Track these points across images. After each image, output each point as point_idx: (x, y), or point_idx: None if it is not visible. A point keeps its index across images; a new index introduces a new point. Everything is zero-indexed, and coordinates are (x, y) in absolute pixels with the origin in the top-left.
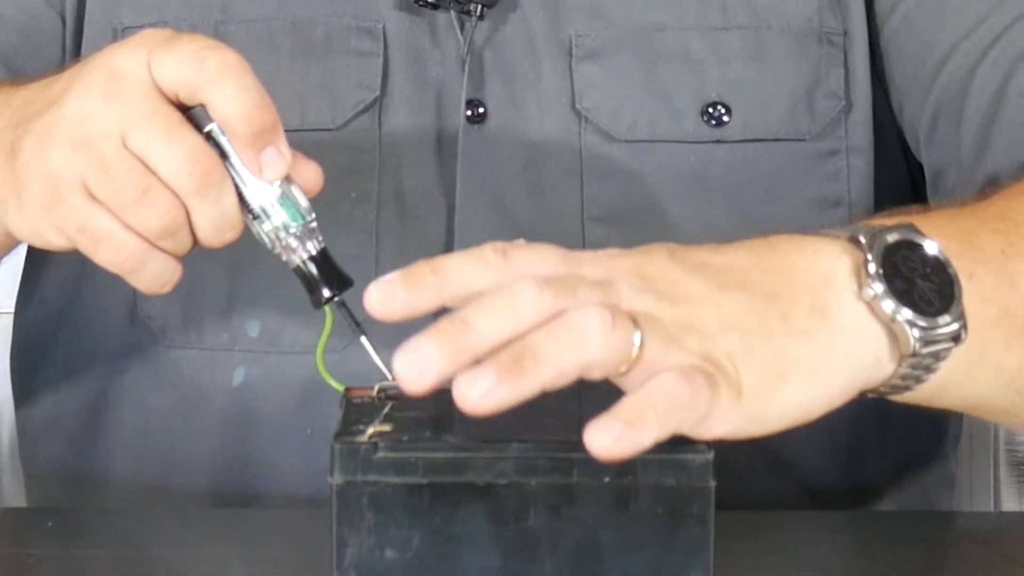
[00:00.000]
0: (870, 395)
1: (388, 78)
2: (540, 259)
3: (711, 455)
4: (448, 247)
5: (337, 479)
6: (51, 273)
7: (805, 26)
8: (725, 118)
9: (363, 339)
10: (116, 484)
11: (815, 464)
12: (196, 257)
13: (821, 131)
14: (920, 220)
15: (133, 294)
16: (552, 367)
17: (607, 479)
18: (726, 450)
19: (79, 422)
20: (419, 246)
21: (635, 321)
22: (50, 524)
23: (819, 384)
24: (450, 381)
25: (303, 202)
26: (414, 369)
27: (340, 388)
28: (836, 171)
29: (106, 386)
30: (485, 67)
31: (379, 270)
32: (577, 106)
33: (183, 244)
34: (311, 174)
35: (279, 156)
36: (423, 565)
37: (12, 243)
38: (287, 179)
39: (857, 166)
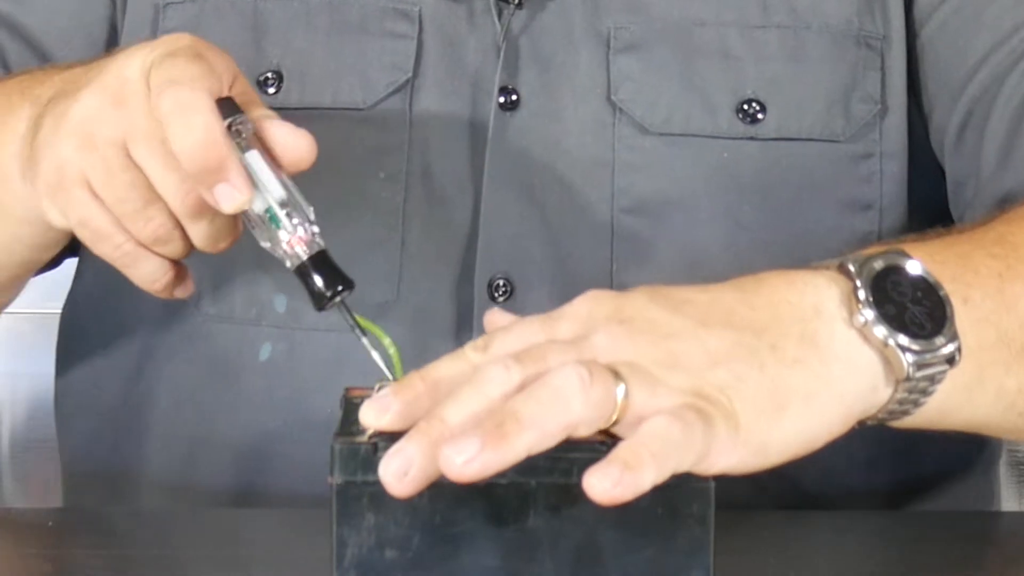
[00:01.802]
0: (869, 423)
1: (421, 61)
2: (518, 338)
3: None
4: (473, 232)
5: (337, 479)
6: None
7: (844, 28)
8: (760, 116)
9: (364, 340)
10: (148, 460)
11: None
12: None
13: (856, 133)
14: (914, 247)
15: None
16: (535, 430)
17: None
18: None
19: (114, 397)
20: (445, 229)
21: (616, 372)
22: (50, 524)
23: (817, 413)
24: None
25: (305, 205)
26: (398, 472)
27: (392, 348)
28: (869, 175)
29: (142, 361)
30: (520, 55)
31: (405, 251)
32: (612, 97)
33: (177, 251)
34: (300, 145)
35: (231, 192)
36: (423, 565)
37: (50, 236)
38: (288, 182)
39: (891, 171)
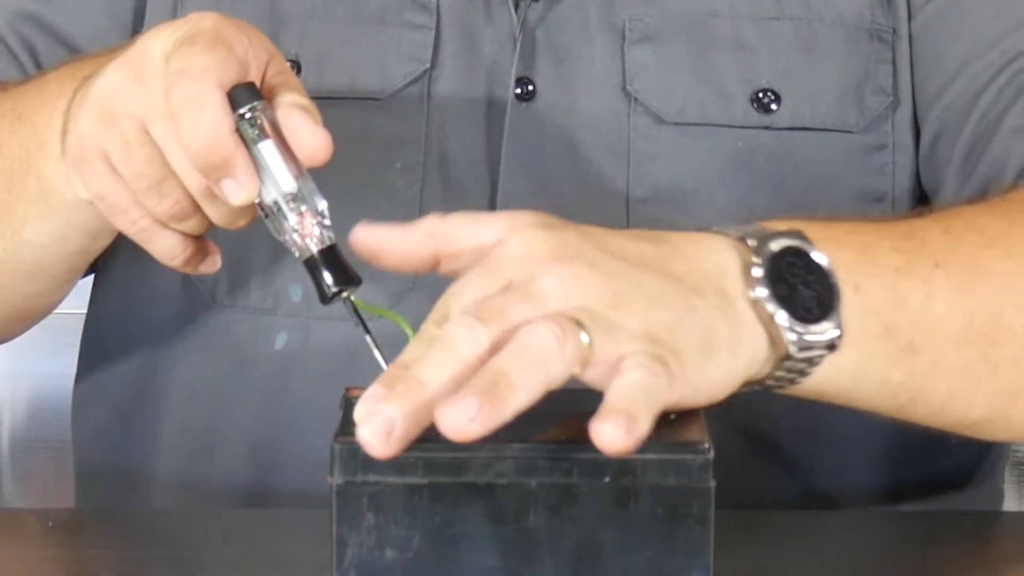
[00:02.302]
0: (745, 388)
1: (439, 51)
2: (471, 297)
3: (711, 455)
4: None
5: (337, 479)
6: (116, 247)
7: (856, 21)
8: (773, 106)
9: (367, 338)
10: (162, 452)
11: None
12: None
13: (868, 125)
14: (817, 227)
15: None
16: (524, 390)
17: (607, 479)
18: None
19: (129, 389)
20: None
21: (577, 321)
22: (50, 524)
23: (734, 362)
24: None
25: (317, 199)
26: (380, 434)
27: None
28: (882, 166)
29: (157, 352)
30: (537, 46)
31: None
32: (627, 88)
33: (196, 228)
34: (316, 143)
35: (236, 187)
36: (423, 565)
37: (102, 221)
38: (302, 175)
39: (902, 162)
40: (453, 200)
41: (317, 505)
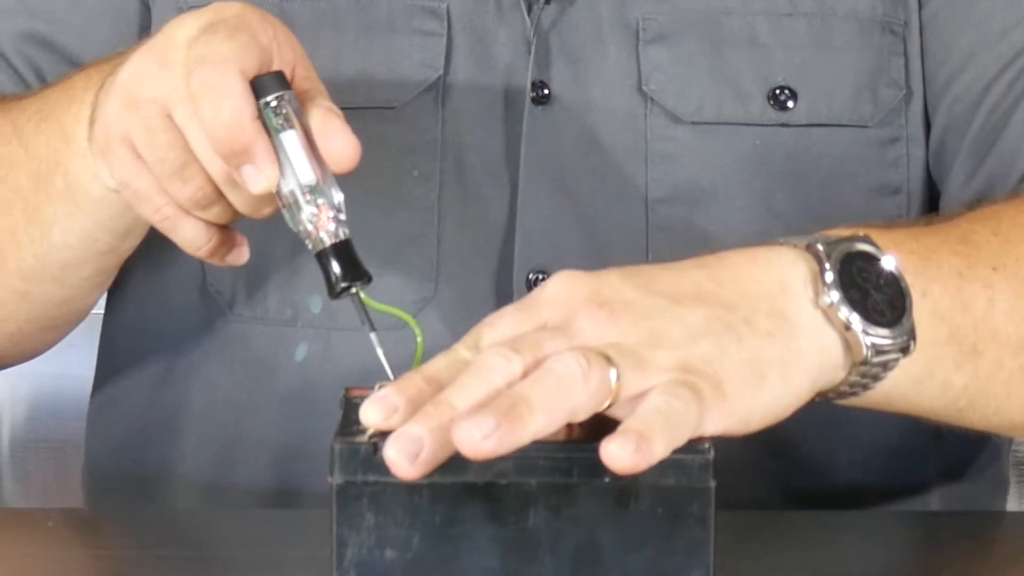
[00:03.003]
0: (817, 399)
1: (452, 58)
2: (505, 330)
3: (711, 455)
4: (510, 227)
5: (337, 479)
6: (133, 258)
7: (869, 15)
8: (790, 103)
9: (372, 336)
10: (180, 464)
11: (864, 464)
12: (261, 232)
13: (883, 119)
14: (881, 234)
15: (202, 268)
16: (543, 415)
17: (607, 479)
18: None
19: (145, 400)
20: (481, 226)
21: (607, 357)
22: (50, 524)
23: (791, 384)
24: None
25: (335, 193)
26: (407, 455)
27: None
28: (896, 159)
29: (172, 363)
30: (551, 49)
31: (441, 249)
32: (643, 88)
33: (221, 216)
34: (346, 150)
35: (256, 175)
36: (423, 565)
37: (129, 218)
38: (322, 168)
39: (916, 155)
40: (472, 206)
41: None
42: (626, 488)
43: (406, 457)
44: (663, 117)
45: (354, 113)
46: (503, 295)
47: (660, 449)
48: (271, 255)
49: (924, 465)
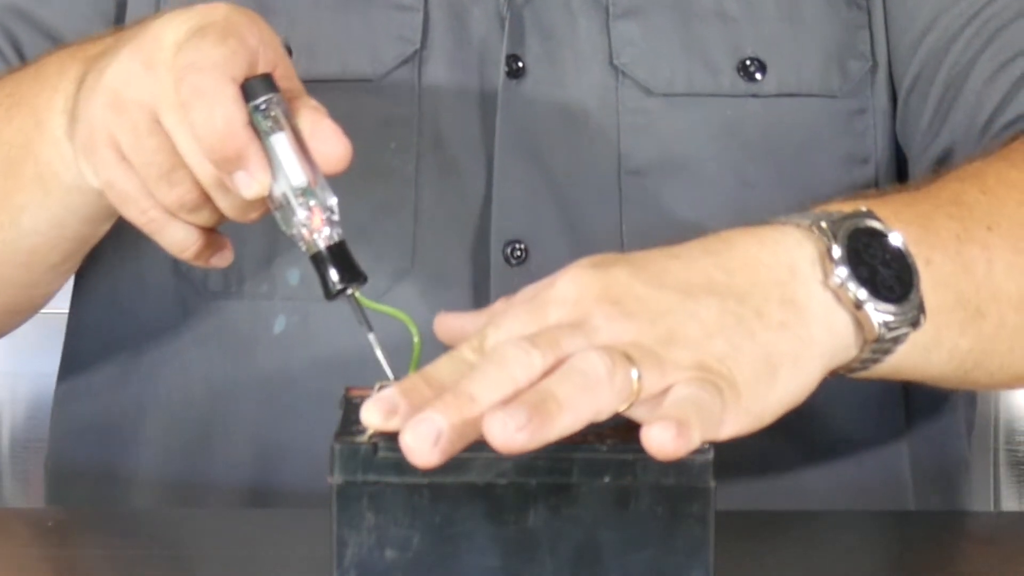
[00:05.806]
0: (829, 377)
1: (428, 32)
2: (512, 329)
3: (711, 455)
4: (487, 199)
5: (337, 479)
6: (102, 243)
7: None
8: (759, 75)
9: (370, 336)
10: (149, 449)
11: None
12: None
13: (851, 90)
14: (877, 204)
15: None
16: (571, 413)
17: (607, 479)
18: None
19: (113, 384)
20: (458, 197)
21: (628, 356)
22: (50, 524)
23: (804, 373)
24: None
25: (328, 195)
26: (426, 441)
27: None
28: (864, 129)
29: (145, 346)
30: (525, 24)
31: (418, 221)
32: (615, 62)
33: (208, 220)
34: (337, 152)
35: (249, 180)
36: (423, 565)
37: (100, 206)
38: (313, 170)
39: (882, 125)
40: (449, 178)
41: (320, 495)
42: (626, 488)
43: (425, 442)
44: (635, 90)
45: (331, 85)
46: (480, 266)
47: (697, 436)
48: (245, 230)
49: (894, 442)
